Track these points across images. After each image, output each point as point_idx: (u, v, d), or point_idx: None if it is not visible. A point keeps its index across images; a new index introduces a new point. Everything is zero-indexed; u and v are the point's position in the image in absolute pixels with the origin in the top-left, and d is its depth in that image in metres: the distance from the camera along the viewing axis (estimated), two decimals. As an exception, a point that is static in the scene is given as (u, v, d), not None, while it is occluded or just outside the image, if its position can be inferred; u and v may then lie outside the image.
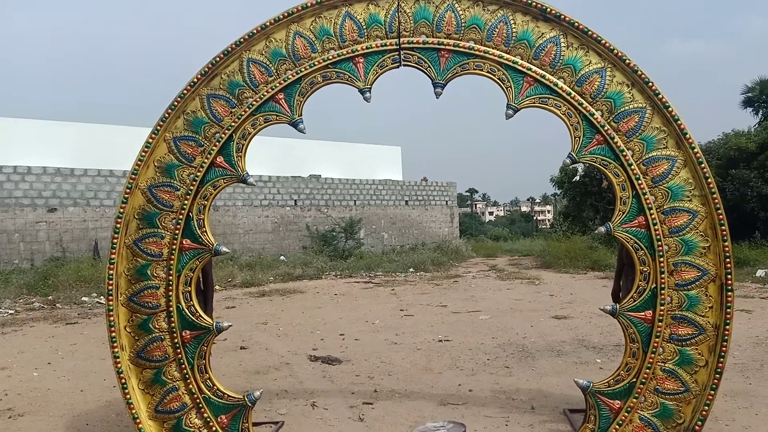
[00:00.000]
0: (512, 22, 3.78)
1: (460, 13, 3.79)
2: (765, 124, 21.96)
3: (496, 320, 8.76)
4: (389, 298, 11.88)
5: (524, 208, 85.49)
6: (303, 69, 3.82)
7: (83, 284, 13.04)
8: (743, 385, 5.11)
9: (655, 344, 3.64)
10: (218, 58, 3.85)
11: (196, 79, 3.85)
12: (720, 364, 3.59)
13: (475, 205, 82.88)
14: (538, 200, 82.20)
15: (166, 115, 3.84)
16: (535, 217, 72.30)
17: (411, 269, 18.06)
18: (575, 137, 3.74)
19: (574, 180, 23.87)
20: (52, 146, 19.87)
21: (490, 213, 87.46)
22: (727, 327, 3.59)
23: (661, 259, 3.64)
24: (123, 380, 3.73)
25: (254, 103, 3.82)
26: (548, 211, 76.27)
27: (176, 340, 3.74)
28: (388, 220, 26.56)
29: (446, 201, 29.58)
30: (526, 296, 11.54)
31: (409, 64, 3.84)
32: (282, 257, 20.87)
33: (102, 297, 12.13)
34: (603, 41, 3.73)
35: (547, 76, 3.75)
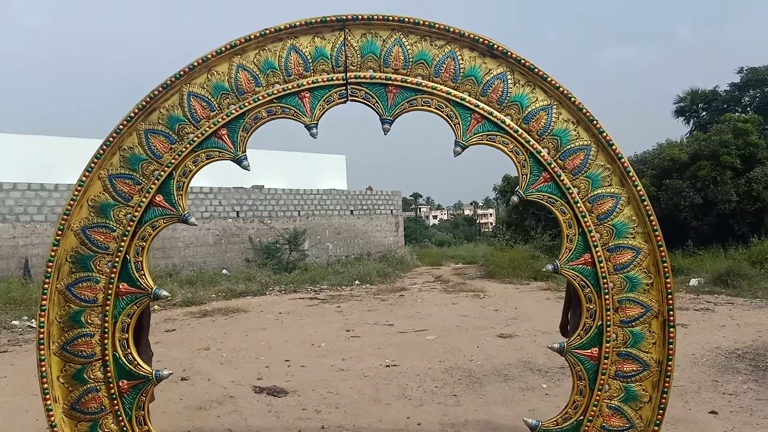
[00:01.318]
0: (460, 57, 3.76)
1: (408, 48, 3.74)
2: (696, 134, 22.86)
3: (443, 340, 8.76)
4: (335, 316, 11.73)
5: (467, 212, 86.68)
6: (247, 104, 3.70)
7: (13, 306, 12.33)
8: (683, 410, 5.24)
9: (602, 381, 3.68)
10: (157, 92, 3.69)
11: (133, 114, 3.67)
12: (663, 400, 3.65)
13: (420, 209, 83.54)
14: (480, 204, 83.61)
15: (101, 151, 3.64)
16: (478, 221, 73.40)
17: (357, 281, 17.98)
18: (523, 175, 3.75)
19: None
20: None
21: (435, 217, 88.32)
22: (670, 363, 3.65)
23: (607, 296, 3.68)
24: (56, 435, 3.51)
25: (195, 139, 3.67)
26: (491, 215, 77.66)
27: (113, 391, 3.55)
28: (333, 230, 26.39)
29: (391, 210, 29.63)
30: (472, 311, 11.62)
31: (357, 99, 3.76)
32: (224, 271, 20.42)
33: (33, 321, 11.50)
34: (549, 78, 3.75)
35: (495, 113, 3.75)
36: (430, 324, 10.22)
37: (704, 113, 27.52)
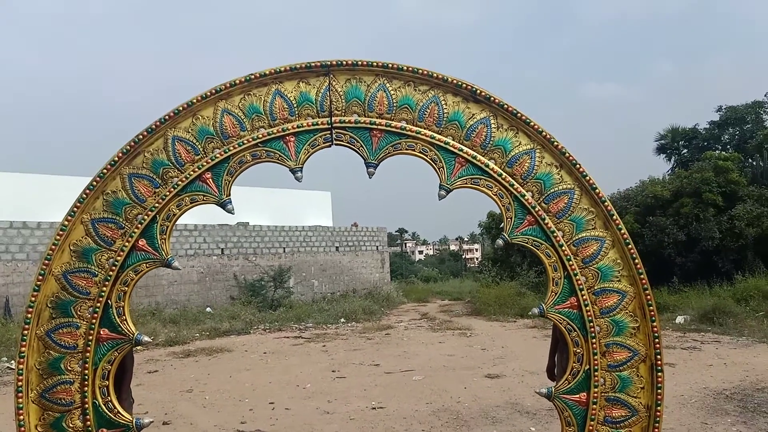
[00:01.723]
0: (443, 102, 3.79)
1: (392, 92, 3.77)
2: (678, 171, 23.14)
3: (430, 381, 8.66)
4: (320, 356, 11.58)
5: (453, 247, 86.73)
6: (231, 148, 3.69)
7: None
8: (673, 453, 5.19)
9: (590, 427, 3.64)
10: (141, 136, 3.67)
11: (116, 158, 3.65)
12: (653, 446, 3.61)
13: (405, 244, 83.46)
14: (466, 239, 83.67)
15: (84, 195, 3.61)
16: (463, 256, 73.41)
17: (342, 319, 17.83)
18: (507, 218, 3.76)
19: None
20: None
21: (420, 252, 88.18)
22: (659, 408, 3.63)
23: (594, 340, 3.66)
24: (34, 487, 3.40)
25: (180, 182, 3.65)
26: (476, 250, 77.67)
27: None
28: (318, 267, 26.25)
29: (377, 246, 29.58)
30: (459, 351, 11.52)
31: (341, 143, 3.77)
32: (208, 308, 20.16)
33: (12, 362, 11.27)
34: (532, 123, 3.79)
35: (479, 157, 3.76)
36: (417, 364, 10.11)
37: (685, 151, 27.96)
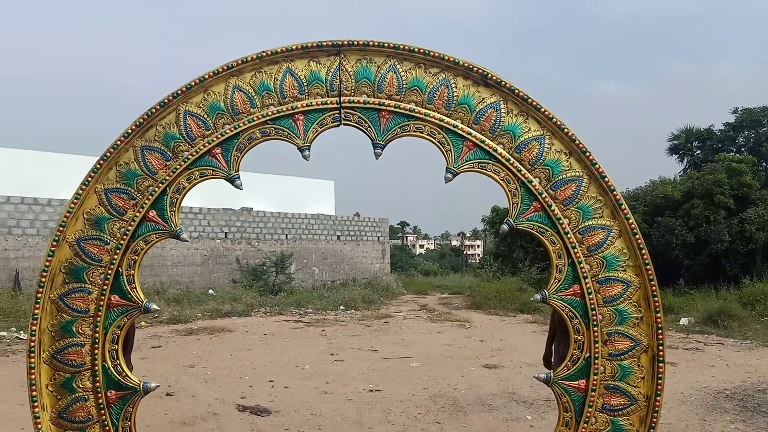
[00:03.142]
0: (453, 85, 3.78)
1: (402, 74, 3.76)
2: (690, 173, 22.87)
3: (427, 368, 8.70)
4: (319, 339, 11.65)
5: (454, 242, 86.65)
6: (241, 124, 3.70)
7: (2, 318, 12.38)
8: (669, 447, 5.21)
9: (588, 414, 3.65)
10: (154, 109, 3.70)
11: (130, 130, 3.68)
12: (650, 435, 3.61)
13: (406, 237, 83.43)
14: (468, 235, 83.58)
15: (98, 166, 3.65)
16: (465, 252, 73.36)
17: (342, 307, 17.86)
18: (513, 203, 3.75)
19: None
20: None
21: (421, 246, 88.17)
22: (658, 398, 3.63)
23: (596, 328, 3.66)
24: (43, 442, 3.46)
25: (190, 156, 3.67)
26: (478, 246, 77.62)
27: (101, 401, 3.54)
28: (320, 254, 26.31)
29: (378, 236, 29.61)
30: (457, 341, 11.55)
31: (350, 123, 3.77)
32: (211, 291, 20.25)
33: (21, 332, 11.51)
34: (542, 109, 3.77)
35: (487, 141, 3.75)
36: (415, 352, 10.15)
37: (698, 152, 27.52)
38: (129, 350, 4.39)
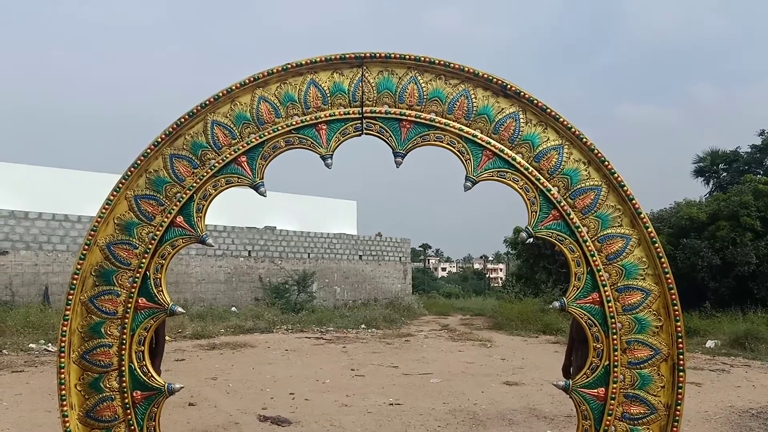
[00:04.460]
0: (473, 96, 3.85)
1: (423, 85, 3.85)
2: (716, 195, 22.56)
3: (448, 384, 8.68)
4: (340, 356, 11.69)
5: (477, 266, 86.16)
6: (266, 133, 3.81)
7: (31, 330, 12.68)
8: (692, 462, 5.14)
9: (607, 423, 3.63)
10: (183, 119, 3.83)
11: (159, 139, 3.81)
12: (671, 444, 3.59)
13: (428, 260, 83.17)
14: (491, 258, 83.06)
15: (129, 173, 3.78)
16: (487, 275, 72.87)
17: (363, 326, 17.87)
18: (532, 212, 3.79)
19: (526, 243, 24.18)
20: (5, 188, 19.28)
21: (443, 269, 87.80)
22: (679, 407, 3.61)
23: (615, 336, 3.66)
24: (71, 441, 3.56)
25: (216, 164, 3.79)
26: (501, 270, 77.07)
27: (127, 401, 3.63)
28: (342, 274, 26.38)
29: (400, 257, 29.63)
30: (478, 359, 11.50)
31: (371, 132, 3.86)
32: (234, 308, 20.41)
33: (50, 344, 11.82)
34: (561, 119, 3.82)
35: (506, 150, 3.81)
36: (435, 368, 10.13)
37: (724, 174, 27.16)
38: (159, 357, 4.48)
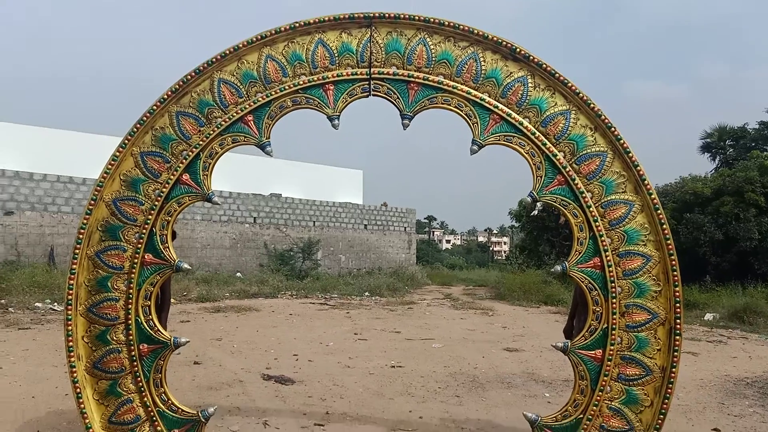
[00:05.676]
0: (482, 59, 3.85)
1: (431, 47, 3.85)
2: (721, 170, 22.51)
3: (449, 349, 8.80)
4: (344, 320, 11.86)
5: (481, 238, 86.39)
6: (273, 92, 3.84)
7: (37, 290, 12.86)
8: (686, 426, 5.24)
9: (604, 383, 3.72)
10: (189, 76, 3.85)
11: (166, 96, 3.83)
12: (665, 405, 3.68)
13: (433, 232, 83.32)
14: (495, 231, 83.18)
15: (135, 129, 3.82)
16: (491, 248, 73.10)
17: (366, 293, 18.03)
18: (537, 176, 3.82)
19: (531, 215, 24.27)
20: (10, 149, 19.35)
21: (448, 241, 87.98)
22: (674, 370, 3.69)
23: (614, 300, 3.73)
24: (78, 390, 3.68)
25: (223, 123, 3.82)
26: (504, 243, 77.22)
27: (133, 353, 3.72)
28: (347, 242, 26.52)
29: (405, 227, 29.72)
30: (479, 327, 11.63)
31: (379, 94, 3.88)
32: (239, 274, 20.61)
33: (55, 303, 12.01)
34: (569, 84, 3.83)
35: (513, 114, 3.83)
36: (437, 334, 10.27)
37: (731, 150, 27.00)
38: (165, 312, 4.57)
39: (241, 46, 3.86)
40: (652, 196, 3.78)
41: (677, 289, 3.74)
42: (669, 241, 3.76)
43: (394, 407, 5.62)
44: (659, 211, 3.77)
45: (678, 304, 3.73)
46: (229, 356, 7.82)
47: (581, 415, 3.70)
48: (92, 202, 3.77)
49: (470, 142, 3.83)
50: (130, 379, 3.74)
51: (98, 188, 3.78)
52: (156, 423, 3.73)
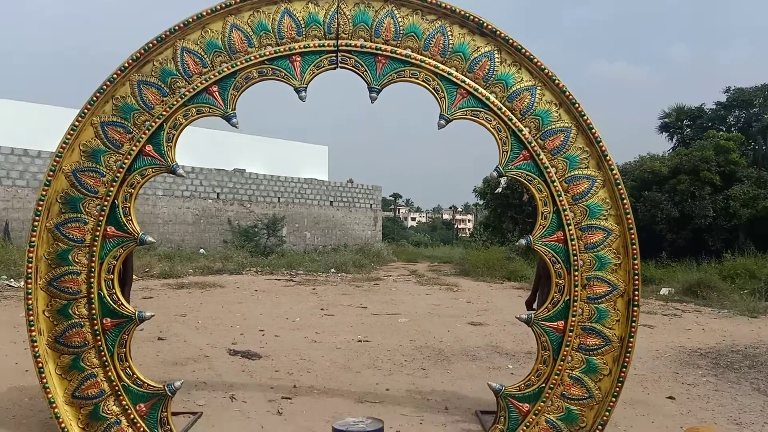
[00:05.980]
0: (449, 33, 3.86)
1: (399, 20, 3.84)
2: (679, 149, 23.10)
3: (415, 324, 8.90)
4: (310, 296, 11.86)
5: (446, 216, 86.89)
6: (239, 63, 3.78)
7: None
8: (642, 395, 5.42)
9: (565, 353, 3.82)
10: (151, 44, 3.76)
11: (126, 64, 3.75)
12: (622, 374, 3.81)
13: (399, 209, 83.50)
14: (459, 209, 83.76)
15: (94, 98, 3.73)
16: (456, 226, 73.65)
17: (332, 270, 18.05)
18: (503, 151, 3.86)
19: (496, 192, 24.54)
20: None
21: (413, 219, 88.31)
22: (631, 339, 3.81)
23: (576, 273, 3.82)
24: (40, 364, 3.64)
25: (187, 93, 3.76)
26: (469, 221, 77.82)
27: (96, 327, 3.68)
28: (312, 219, 26.44)
29: (371, 204, 29.75)
30: (444, 302, 11.77)
31: (346, 66, 3.85)
32: (202, 250, 20.38)
33: (12, 280, 11.67)
34: (535, 60, 3.87)
35: (480, 89, 3.85)
36: (403, 309, 10.36)
37: (688, 130, 27.69)
38: (128, 285, 4.51)
39: (204, 14, 3.78)
40: (614, 172, 3.86)
41: (636, 261, 3.86)
42: (629, 216, 3.87)
43: (361, 380, 5.68)
44: (620, 186, 3.86)
45: (636, 277, 3.85)
46: (194, 332, 7.77)
47: (543, 384, 3.80)
48: (51, 173, 3.68)
49: (438, 116, 3.85)
50: (94, 354, 3.70)
51: (57, 159, 3.69)
52: (121, 397, 3.70)
